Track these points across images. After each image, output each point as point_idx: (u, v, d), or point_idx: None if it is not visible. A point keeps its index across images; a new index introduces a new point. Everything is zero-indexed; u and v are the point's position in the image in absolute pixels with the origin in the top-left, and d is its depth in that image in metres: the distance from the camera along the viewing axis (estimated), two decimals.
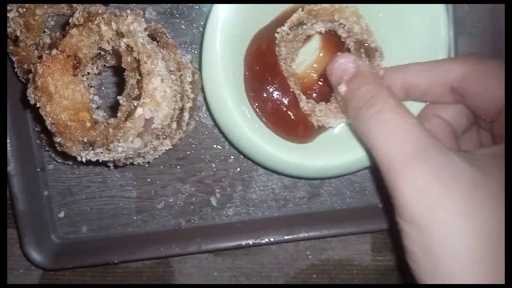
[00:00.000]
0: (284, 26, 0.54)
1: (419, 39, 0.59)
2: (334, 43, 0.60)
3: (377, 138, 0.41)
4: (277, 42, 0.55)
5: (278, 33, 0.54)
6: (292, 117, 0.59)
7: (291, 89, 0.57)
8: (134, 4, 0.62)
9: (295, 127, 0.59)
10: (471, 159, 0.38)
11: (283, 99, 0.59)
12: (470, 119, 0.50)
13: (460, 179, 0.36)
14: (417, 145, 0.38)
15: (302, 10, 0.53)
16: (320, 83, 0.62)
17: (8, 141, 0.60)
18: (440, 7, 0.58)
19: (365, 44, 0.53)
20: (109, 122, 0.49)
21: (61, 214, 0.64)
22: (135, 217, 0.65)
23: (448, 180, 0.36)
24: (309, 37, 0.60)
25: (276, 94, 0.59)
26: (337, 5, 0.52)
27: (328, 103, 0.54)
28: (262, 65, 0.58)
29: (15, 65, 0.59)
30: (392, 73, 0.50)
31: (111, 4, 0.62)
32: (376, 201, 0.66)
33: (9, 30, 0.57)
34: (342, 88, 0.47)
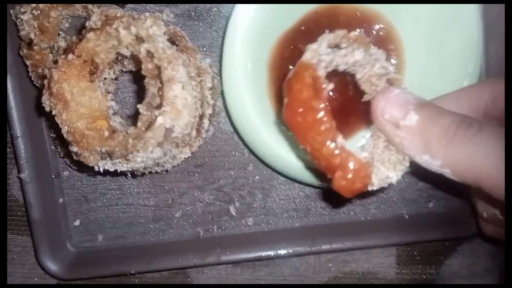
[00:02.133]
0: (318, 44, 0.41)
1: (452, 45, 0.56)
2: None
3: (491, 160, 0.35)
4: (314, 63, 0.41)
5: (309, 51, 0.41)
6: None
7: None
8: (151, 5, 0.60)
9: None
10: None
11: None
12: None
13: None
14: None
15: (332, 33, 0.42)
16: None
17: (22, 147, 0.58)
18: (473, 11, 0.55)
19: (387, 76, 0.45)
20: (129, 131, 0.47)
21: (77, 222, 0.63)
22: (152, 226, 0.63)
23: None
24: None
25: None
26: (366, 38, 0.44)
27: (376, 151, 0.42)
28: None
29: (29, 69, 0.57)
30: None
31: (127, 5, 0.60)
32: (402, 212, 0.64)
33: (23, 33, 0.55)
34: (414, 118, 0.39)
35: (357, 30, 0.58)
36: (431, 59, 0.57)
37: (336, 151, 0.40)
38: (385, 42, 0.58)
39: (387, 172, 0.41)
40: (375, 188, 0.41)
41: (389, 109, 0.40)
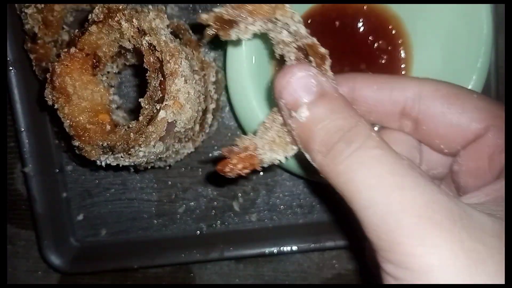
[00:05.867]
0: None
1: (461, 39, 0.55)
2: None
3: (364, 183, 0.30)
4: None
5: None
6: None
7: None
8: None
9: None
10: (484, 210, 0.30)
11: None
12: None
13: (495, 250, 0.28)
14: (427, 198, 0.29)
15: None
16: None
17: (26, 141, 0.58)
18: (483, 4, 0.53)
19: (313, 50, 0.40)
20: (130, 126, 0.46)
21: (80, 217, 0.63)
22: (155, 221, 0.63)
23: (480, 253, 0.28)
24: None
25: None
26: (277, 4, 0.40)
27: (267, 130, 0.39)
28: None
29: (33, 63, 0.57)
30: (339, 80, 0.39)
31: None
32: None
33: (27, 27, 0.55)
34: (304, 113, 0.34)
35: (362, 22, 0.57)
36: (440, 53, 0.56)
37: None
38: (393, 35, 0.57)
39: (275, 155, 0.38)
40: (265, 165, 0.39)
41: (285, 95, 0.35)
